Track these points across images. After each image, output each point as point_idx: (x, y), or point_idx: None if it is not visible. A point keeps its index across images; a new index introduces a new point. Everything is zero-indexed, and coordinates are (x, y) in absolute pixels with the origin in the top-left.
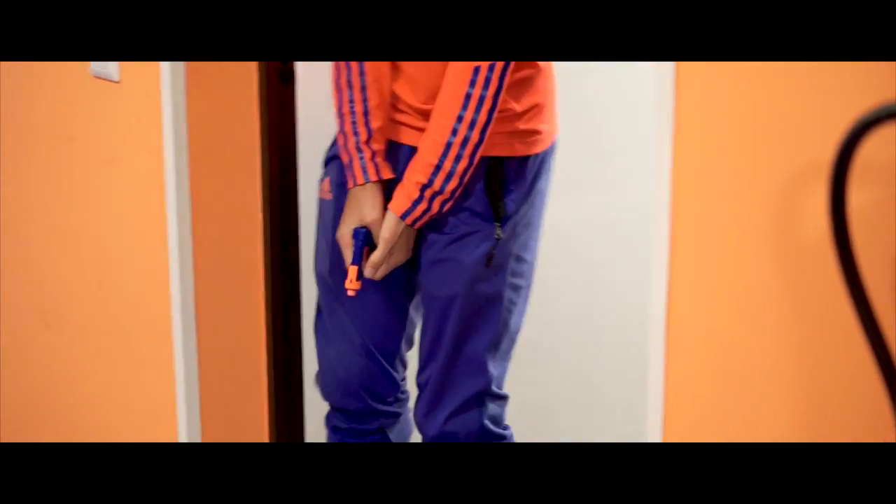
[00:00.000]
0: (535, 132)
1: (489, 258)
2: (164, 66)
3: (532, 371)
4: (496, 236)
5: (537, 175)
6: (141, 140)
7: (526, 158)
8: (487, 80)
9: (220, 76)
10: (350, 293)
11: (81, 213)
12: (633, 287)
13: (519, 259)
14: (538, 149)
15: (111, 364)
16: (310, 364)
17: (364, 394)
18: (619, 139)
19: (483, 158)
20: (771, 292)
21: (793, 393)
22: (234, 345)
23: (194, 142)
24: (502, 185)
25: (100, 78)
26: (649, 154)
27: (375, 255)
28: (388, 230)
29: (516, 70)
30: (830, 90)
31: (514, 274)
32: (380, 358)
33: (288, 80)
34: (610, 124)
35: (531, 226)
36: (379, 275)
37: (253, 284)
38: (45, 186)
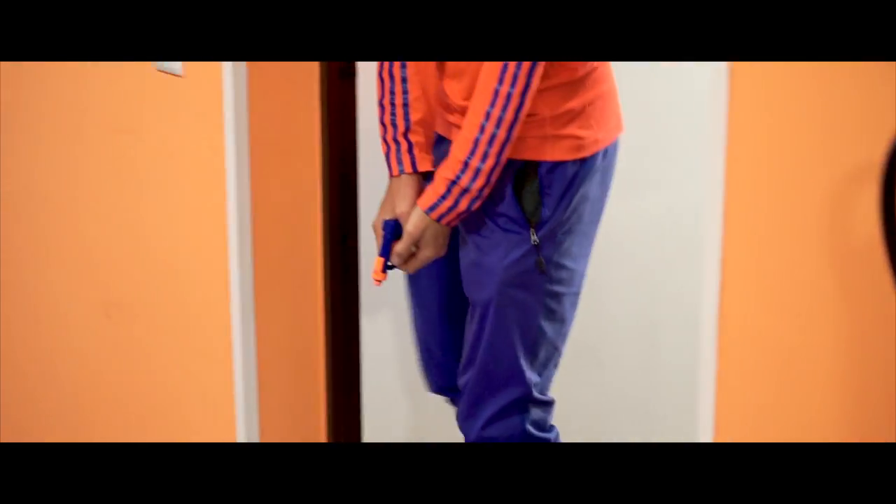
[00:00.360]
0: (573, 137)
1: (539, 265)
2: (227, 63)
3: (588, 372)
4: (532, 242)
5: (581, 181)
6: (203, 135)
7: (562, 164)
8: (515, 77)
9: (281, 72)
10: (375, 283)
11: (143, 206)
12: (689, 288)
13: (559, 266)
14: (577, 154)
15: (171, 358)
16: (368, 359)
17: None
18: (675, 139)
19: (514, 161)
20: (822, 293)
21: (844, 394)
22: (293, 338)
23: (255, 137)
24: (537, 190)
25: (163, 72)
26: (704, 155)
27: (398, 246)
28: (412, 223)
29: (552, 76)
30: (883, 91)
31: (554, 281)
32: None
33: (348, 75)
34: (667, 124)
35: (575, 232)
36: (410, 269)
37: (311, 278)
38: (105, 179)
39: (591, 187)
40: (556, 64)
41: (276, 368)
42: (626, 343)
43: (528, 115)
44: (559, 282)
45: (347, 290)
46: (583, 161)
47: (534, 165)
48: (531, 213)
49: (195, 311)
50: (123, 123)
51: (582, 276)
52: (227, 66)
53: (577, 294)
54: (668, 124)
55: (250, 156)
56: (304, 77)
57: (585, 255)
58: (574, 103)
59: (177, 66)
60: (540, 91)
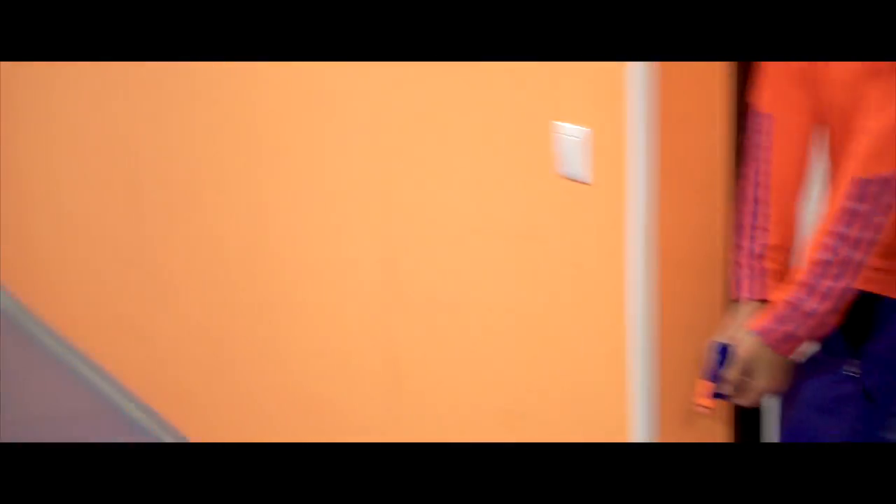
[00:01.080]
0: None
1: (865, 394)
2: (634, 171)
3: None
4: (851, 373)
5: None
6: (606, 245)
7: None
8: (876, 195)
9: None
10: (699, 410)
11: (545, 315)
12: None
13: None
14: None
15: None
16: None
17: None
18: None
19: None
20: None
21: None
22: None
23: (665, 249)
24: (869, 324)
25: (568, 178)
26: None
27: (727, 372)
28: (742, 347)
29: None
30: None
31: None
32: None
33: None
34: None
35: None
36: (745, 401)
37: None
38: (509, 284)
39: None
40: None
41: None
42: None
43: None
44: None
45: None
46: None
47: (872, 299)
48: (854, 345)
49: (592, 428)
50: (526, 230)
51: None
52: (633, 176)
53: None
54: None
55: (661, 273)
56: (714, 188)
57: None
58: None
59: (584, 173)
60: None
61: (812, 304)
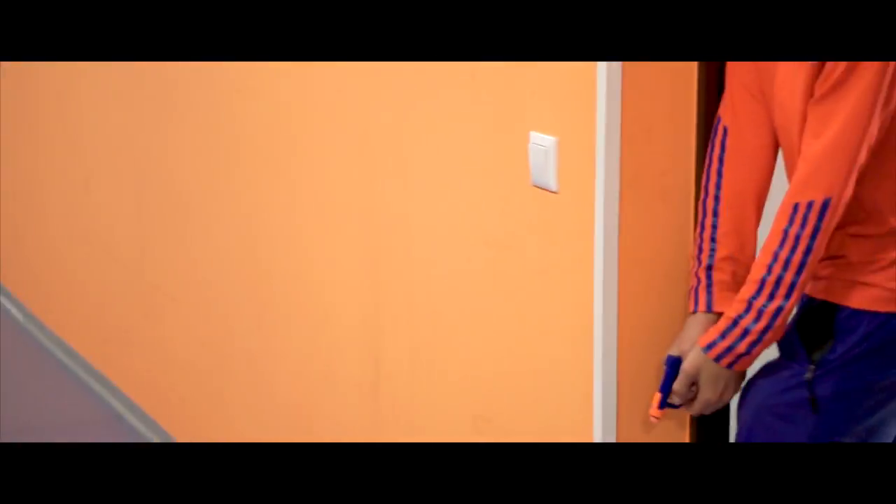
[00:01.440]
0: (883, 288)
1: (812, 402)
2: (599, 181)
3: None
4: (805, 378)
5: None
6: (573, 253)
7: (872, 314)
8: (805, 219)
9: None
10: (652, 421)
11: (513, 320)
12: None
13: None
14: (886, 307)
15: None
16: None
17: None
18: None
19: (812, 300)
20: None
21: None
22: None
23: (624, 257)
24: (827, 332)
25: (538, 187)
26: None
27: (675, 385)
28: (688, 361)
29: (863, 223)
30: None
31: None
32: None
33: None
34: None
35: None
36: (693, 412)
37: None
38: (478, 291)
39: None
40: (861, 214)
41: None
42: None
43: (837, 258)
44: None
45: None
46: (891, 316)
47: (831, 308)
48: (812, 351)
49: (557, 429)
50: (494, 236)
51: None
52: (599, 185)
53: None
54: None
55: (619, 278)
56: (679, 196)
57: None
58: (893, 254)
59: (552, 182)
60: (852, 237)
61: (747, 322)
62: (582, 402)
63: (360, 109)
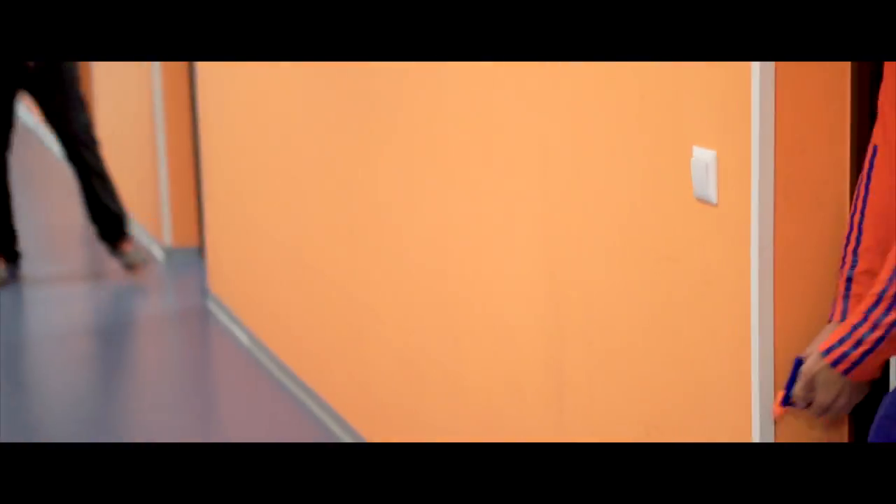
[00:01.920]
0: None
1: None
2: (754, 193)
3: None
4: None
5: None
6: (733, 262)
7: None
8: None
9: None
10: (774, 417)
11: (679, 331)
12: None
13: None
14: None
15: None
16: None
17: None
18: None
19: None
20: None
21: None
22: None
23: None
24: None
25: (700, 200)
26: None
27: (795, 387)
28: (807, 363)
29: None
30: None
31: None
32: None
33: None
34: None
35: None
36: (812, 413)
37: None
38: (649, 304)
39: None
40: None
41: None
42: None
43: None
44: None
45: None
46: None
47: None
48: None
49: (718, 431)
50: (663, 249)
51: None
52: (754, 196)
53: None
54: None
55: (774, 287)
56: (833, 207)
57: None
58: None
59: (712, 194)
60: None
61: (863, 331)
62: (741, 410)
63: (539, 131)
